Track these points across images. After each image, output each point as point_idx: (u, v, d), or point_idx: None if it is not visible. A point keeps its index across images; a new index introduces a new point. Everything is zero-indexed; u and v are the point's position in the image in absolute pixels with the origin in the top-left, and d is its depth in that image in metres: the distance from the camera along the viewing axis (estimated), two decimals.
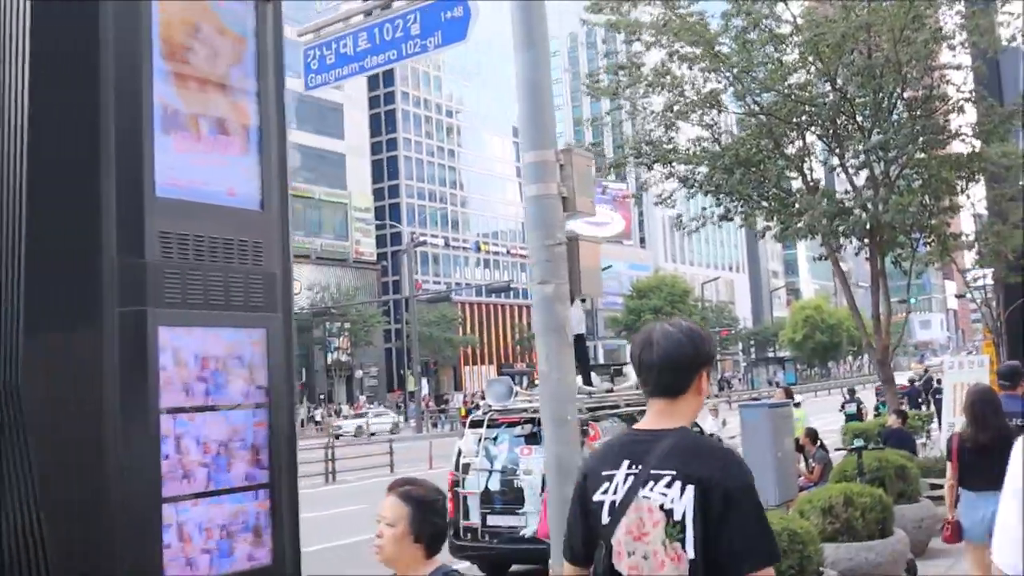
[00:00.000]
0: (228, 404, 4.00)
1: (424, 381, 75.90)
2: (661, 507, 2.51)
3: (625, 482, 2.60)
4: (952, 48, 13.88)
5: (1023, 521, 1.70)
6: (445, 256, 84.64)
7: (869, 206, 13.49)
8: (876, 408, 24.26)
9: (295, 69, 8.89)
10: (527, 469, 10.30)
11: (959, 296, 23.63)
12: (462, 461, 10.63)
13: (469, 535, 10.30)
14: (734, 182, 13.61)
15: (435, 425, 53.97)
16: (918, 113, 13.29)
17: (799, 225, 13.64)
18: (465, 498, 10.43)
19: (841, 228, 13.53)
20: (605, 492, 2.63)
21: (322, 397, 66.89)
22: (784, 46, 13.92)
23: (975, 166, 13.92)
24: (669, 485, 2.51)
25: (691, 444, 2.60)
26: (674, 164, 14.53)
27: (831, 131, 13.88)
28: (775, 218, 14.71)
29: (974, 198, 21.76)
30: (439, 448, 30.24)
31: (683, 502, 2.49)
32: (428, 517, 2.89)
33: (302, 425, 58.35)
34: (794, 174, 15.09)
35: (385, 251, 77.23)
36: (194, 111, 4.09)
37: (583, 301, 13.15)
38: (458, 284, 77.60)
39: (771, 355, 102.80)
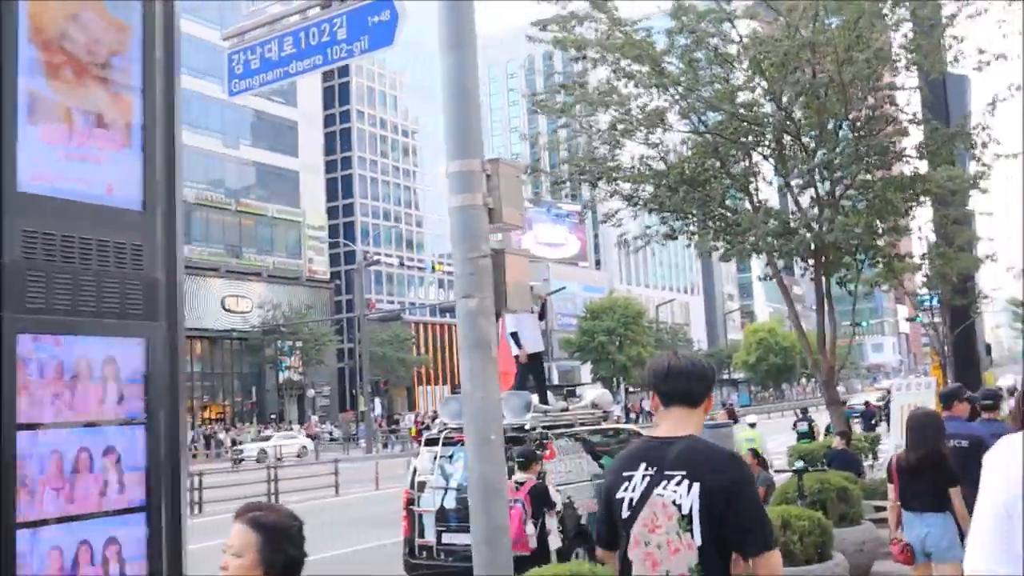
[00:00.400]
0: (99, 420, 3.67)
1: (376, 401, 75.24)
2: (673, 503, 2.98)
3: (643, 482, 3.08)
4: (896, 70, 13.88)
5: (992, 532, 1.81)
6: (399, 275, 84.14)
7: (814, 225, 13.40)
8: (827, 428, 24.30)
9: (221, 75, 8.58)
10: None
11: (910, 320, 23.68)
12: (417, 479, 10.61)
13: (424, 553, 10.27)
14: (677, 200, 13.46)
15: (386, 445, 53.38)
16: (861, 133, 13.22)
17: (744, 245, 13.50)
18: (420, 516, 10.40)
19: (787, 248, 13.41)
20: (625, 490, 3.12)
21: (273, 417, 65.95)
22: (731, 65, 13.83)
23: (919, 187, 13.89)
24: (679, 484, 2.99)
25: (701, 447, 3.09)
26: (619, 182, 14.35)
27: (777, 150, 13.79)
28: (721, 238, 14.58)
29: (921, 220, 21.92)
30: (387, 469, 29.79)
31: (690, 498, 2.96)
32: (280, 546, 2.61)
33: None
34: (740, 194, 15.00)
35: (339, 270, 76.56)
36: (68, 102, 3.77)
37: (541, 319, 12.97)
38: (411, 304, 76.94)
39: (726, 377, 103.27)
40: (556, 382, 67.66)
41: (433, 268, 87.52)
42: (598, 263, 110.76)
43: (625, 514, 3.10)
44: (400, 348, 71.23)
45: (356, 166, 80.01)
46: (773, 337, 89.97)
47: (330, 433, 63.02)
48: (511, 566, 6.32)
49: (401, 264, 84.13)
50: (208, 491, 23.69)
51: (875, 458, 20.48)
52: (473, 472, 6.56)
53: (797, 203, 14.04)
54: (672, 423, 3.19)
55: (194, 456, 48.99)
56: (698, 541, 2.93)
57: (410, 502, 10.56)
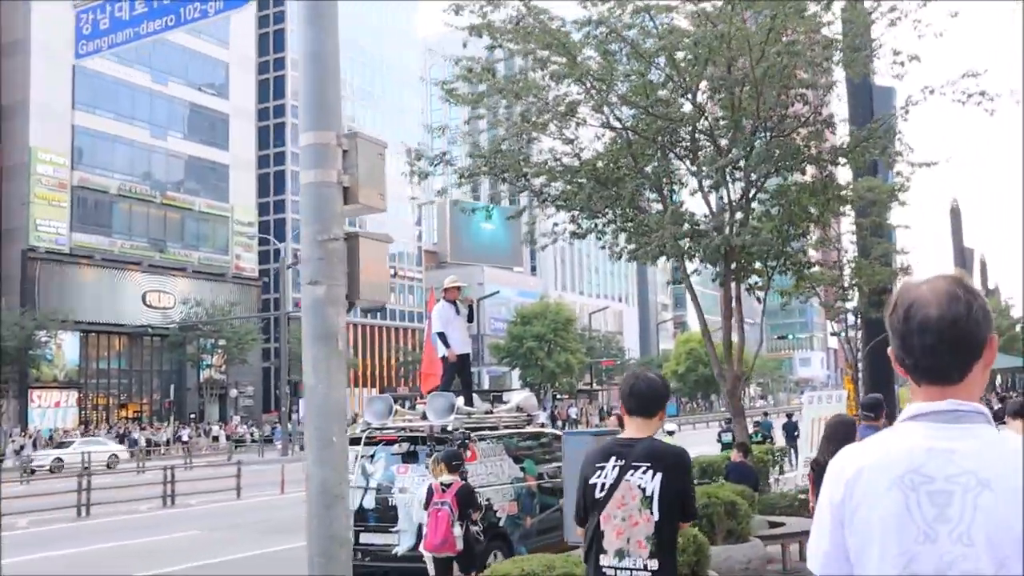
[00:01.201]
0: None
1: (302, 402, 73.88)
2: (639, 486, 3.89)
3: (614, 471, 3.96)
4: (816, 70, 13.49)
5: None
6: None
7: (725, 229, 13.00)
8: (750, 437, 24.10)
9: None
10: (403, 487, 10.27)
11: (834, 334, 23.55)
12: None
13: None
14: (583, 197, 12.95)
15: (303, 448, 52.18)
16: (774, 134, 12.82)
17: (651, 246, 13.04)
18: None
19: (694, 251, 12.99)
20: (598, 476, 3.99)
21: (192, 416, 64.34)
22: (647, 60, 13.34)
23: (831, 193, 13.57)
24: (645, 472, 3.90)
25: (660, 446, 4.07)
26: (528, 177, 13.80)
27: (691, 150, 13.33)
28: (633, 239, 14.09)
29: (839, 229, 21.78)
30: (293, 473, 28.98)
31: (653, 483, 3.87)
32: None
33: (168, 444, 55.94)
34: (654, 195, 14.55)
35: (268, 267, 75.03)
36: None
37: (470, 321, 12.52)
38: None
39: None
40: (487, 387, 67.20)
41: None
42: (533, 269, 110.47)
43: (599, 495, 3.97)
44: None
45: (289, 162, 78.53)
46: (703, 348, 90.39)
47: (251, 434, 61.65)
48: None
49: None
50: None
51: (781, 472, 20.20)
52: (313, 478, 5.96)
53: (709, 205, 13.62)
54: (635, 428, 4.13)
55: None
56: (656, 516, 3.86)
57: None
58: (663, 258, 13.99)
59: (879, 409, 7.83)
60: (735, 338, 14.27)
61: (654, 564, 3.87)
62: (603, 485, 3.96)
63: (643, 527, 3.87)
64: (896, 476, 1.88)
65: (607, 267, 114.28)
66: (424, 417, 10.83)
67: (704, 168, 12.40)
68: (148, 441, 54.46)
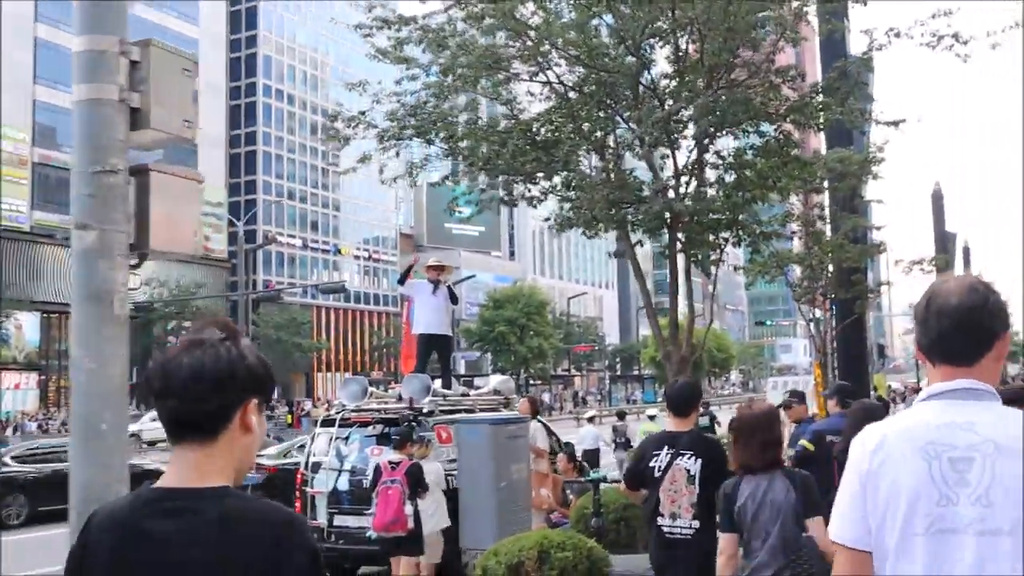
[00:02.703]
0: None
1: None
2: (685, 468, 5.42)
3: (667, 456, 5.48)
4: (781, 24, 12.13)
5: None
6: (303, 258, 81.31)
7: (671, 193, 11.68)
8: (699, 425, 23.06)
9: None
10: None
11: (810, 320, 22.40)
12: (311, 460, 10.51)
13: (315, 535, 9.54)
14: (507, 157, 11.61)
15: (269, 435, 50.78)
16: (721, 84, 11.44)
17: (585, 212, 11.73)
18: (313, 497, 10.28)
19: (632, 219, 11.68)
20: (655, 460, 5.51)
21: None
22: (586, 6, 11.98)
23: (786, 154, 12.24)
24: (690, 458, 5.44)
25: (699, 438, 5.62)
26: (455, 140, 12.44)
27: (634, 107, 11.95)
28: (573, 208, 12.75)
29: (810, 202, 20.50)
30: None
31: (695, 466, 5.41)
32: None
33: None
34: (598, 163, 13.20)
35: (237, 249, 73.29)
36: None
37: (454, 303, 11.51)
38: (291, 285, 73.74)
39: (636, 373, 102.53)
40: (462, 372, 65.92)
41: (339, 251, 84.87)
42: (512, 254, 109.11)
43: (657, 474, 5.47)
44: (297, 332, 68.54)
45: (261, 142, 76.90)
46: (681, 334, 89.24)
47: None
48: None
49: (305, 246, 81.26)
50: None
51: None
52: (74, 479, 4.68)
53: (652, 168, 12.29)
54: (675, 424, 5.64)
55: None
56: (697, 490, 5.36)
57: (303, 483, 10.44)
58: (605, 229, 12.64)
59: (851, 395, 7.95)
60: (683, 316, 12.99)
61: (696, 524, 5.35)
62: (659, 467, 5.42)
63: (688, 498, 5.33)
64: (918, 446, 2.06)
65: (587, 253, 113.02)
66: (399, 399, 10.80)
67: (643, 123, 11.05)
68: None
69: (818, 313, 21.92)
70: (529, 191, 13.05)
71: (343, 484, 10.31)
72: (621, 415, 25.51)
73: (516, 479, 8.08)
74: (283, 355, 69.17)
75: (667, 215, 11.77)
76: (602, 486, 8.80)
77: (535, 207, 13.44)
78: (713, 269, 13.36)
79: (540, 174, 12.48)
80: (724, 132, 12.23)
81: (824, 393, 8.37)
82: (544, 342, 68.54)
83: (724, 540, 4.91)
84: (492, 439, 7.92)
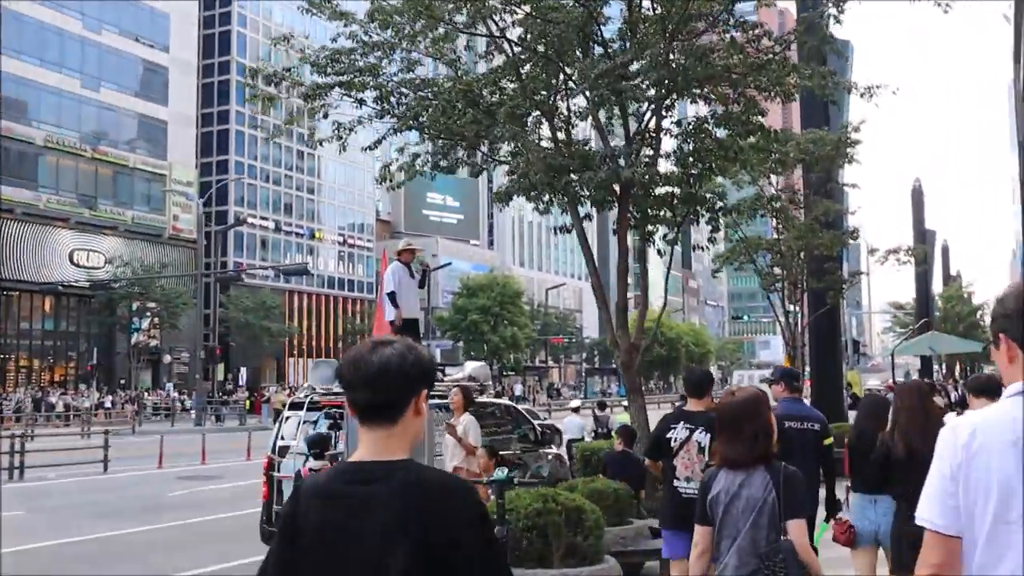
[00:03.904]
0: None
1: (243, 371, 70.97)
2: (698, 441, 6.35)
3: (684, 430, 6.43)
4: None
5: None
6: (275, 240, 79.74)
7: (622, 161, 10.47)
8: None
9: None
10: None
11: (786, 313, 21.27)
12: (279, 444, 10.35)
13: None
14: (437, 113, 10.38)
15: (219, 418, 49.18)
16: (677, 36, 10.19)
17: (523, 180, 10.53)
18: (280, 482, 10.05)
19: (572, 188, 10.46)
20: (672, 432, 6.49)
21: (122, 382, 61.24)
22: None
23: (749, 122, 11.04)
24: (702, 433, 6.30)
25: (712, 417, 5.45)
26: (387, 97, 11.19)
27: (581, 62, 10.71)
28: (515, 173, 11.50)
29: (779, 184, 19.38)
30: (182, 445, 26.42)
31: (705, 439, 6.26)
32: None
33: (93, 410, 52.67)
34: (546, 130, 11.98)
35: (209, 230, 71.70)
36: None
37: (421, 286, 10.68)
38: (251, 265, 72.01)
39: (613, 366, 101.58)
40: (438, 361, 64.43)
41: (313, 235, 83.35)
42: (491, 243, 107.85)
43: (674, 445, 6.45)
44: (266, 316, 67.05)
45: (234, 121, 75.22)
46: (659, 327, 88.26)
47: (181, 403, 58.61)
48: None
49: (278, 229, 79.69)
50: None
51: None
52: None
53: (601, 133, 11.09)
54: (693, 404, 6.65)
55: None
56: (706, 459, 6.13)
57: (271, 467, 10.30)
58: (549, 200, 11.45)
59: (788, 379, 7.65)
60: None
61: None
62: (676, 439, 6.48)
63: (699, 464, 6.28)
64: (1009, 440, 2.17)
65: (568, 243, 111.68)
66: None
67: (587, 78, 9.82)
68: (67, 406, 51.48)
69: (789, 305, 20.77)
70: (469, 157, 11.83)
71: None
72: (602, 405, 25.29)
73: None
74: (252, 339, 67.70)
75: (616, 185, 10.55)
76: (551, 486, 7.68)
77: (476, 176, 12.20)
78: (668, 248, 12.17)
79: (482, 139, 11.24)
80: (681, 96, 11.02)
81: (768, 377, 7.69)
82: (519, 332, 67.33)
83: (698, 533, 4.37)
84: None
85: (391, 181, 12.64)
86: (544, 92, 11.18)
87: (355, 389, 2.22)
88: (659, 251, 12.64)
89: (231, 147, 75.58)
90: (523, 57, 11.40)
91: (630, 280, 12.94)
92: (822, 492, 7.13)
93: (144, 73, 65.90)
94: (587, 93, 9.74)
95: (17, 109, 56.85)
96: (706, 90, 11.09)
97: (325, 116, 12.08)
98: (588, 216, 12.04)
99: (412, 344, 2.27)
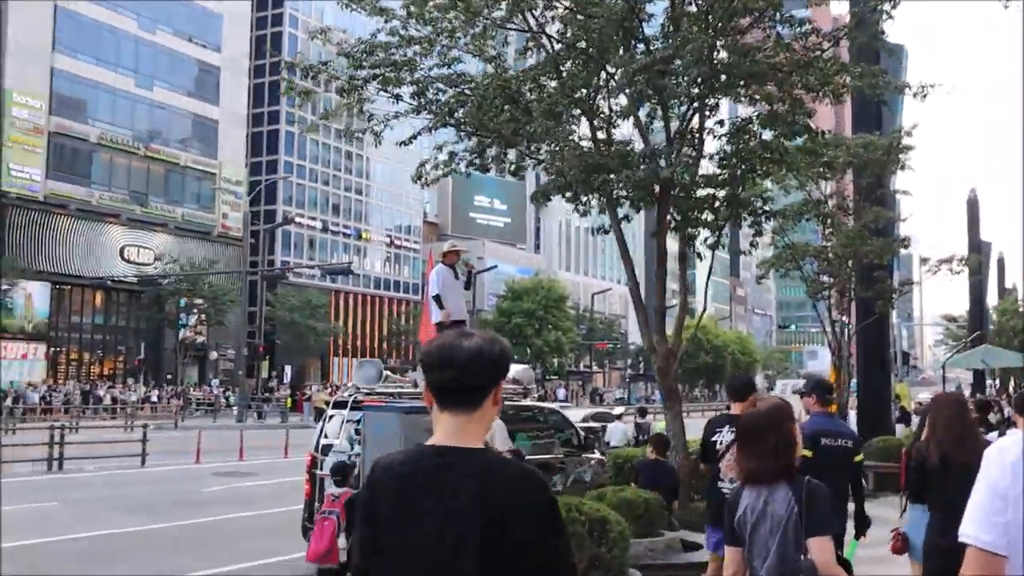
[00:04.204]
0: None
1: (288, 368, 71.34)
2: None
3: (729, 433, 6.65)
4: None
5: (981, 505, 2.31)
6: (323, 240, 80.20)
7: (661, 160, 10.16)
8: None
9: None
10: None
11: (834, 322, 20.68)
12: (322, 442, 10.33)
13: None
14: (472, 109, 10.15)
15: (260, 416, 49.35)
16: (718, 27, 9.82)
17: (559, 179, 10.26)
18: (322, 480, 9.93)
19: (615, 188, 10.17)
20: (718, 436, 6.97)
21: (169, 377, 61.89)
22: None
23: (796, 123, 10.66)
24: None
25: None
26: (423, 91, 10.99)
27: (625, 58, 10.40)
28: (552, 170, 11.22)
29: (829, 190, 18.90)
30: (223, 441, 26.47)
31: None
32: None
33: (140, 404, 53.14)
34: (586, 129, 11.69)
35: (257, 228, 72.29)
36: None
37: (467, 288, 10.63)
38: (296, 263, 72.27)
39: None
40: None
41: (360, 235, 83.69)
42: (537, 247, 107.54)
43: (719, 447, 6.88)
44: (312, 315, 67.40)
45: (284, 121, 75.75)
46: (705, 334, 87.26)
47: (226, 399, 59.08)
48: None
49: (325, 229, 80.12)
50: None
51: None
52: None
53: (642, 131, 10.79)
54: (736, 408, 6.71)
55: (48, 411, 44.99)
56: None
57: (313, 465, 10.28)
58: (584, 200, 11.16)
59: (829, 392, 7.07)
60: (676, 305, 11.50)
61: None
62: (722, 442, 6.89)
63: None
64: None
65: (614, 248, 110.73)
66: (415, 385, 10.41)
67: (627, 73, 9.52)
68: (114, 400, 52.11)
69: (836, 314, 20.23)
70: (506, 156, 11.59)
71: None
72: (643, 412, 24.94)
73: None
74: (297, 337, 68.07)
75: (656, 186, 10.23)
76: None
77: (513, 175, 11.97)
78: (710, 253, 11.82)
79: (520, 137, 10.99)
80: (725, 95, 10.68)
81: (799, 390, 7.32)
82: (563, 336, 66.95)
83: (728, 554, 4.16)
84: (402, 432, 6.48)
85: (427, 179, 12.44)
86: (584, 90, 10.89)
87: (443, 370, 2.29)
88: (699, 255, 12.31)
89: (281, 147, 76.19)
90: (562, 54, 11.13)
91: (675, 285, 12.60)
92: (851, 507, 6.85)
93: (197, 73, 66.66)
94: (626, 90, 9.44)
95: (72, 107, 57.76)
96: (752, 89, 10.73)
97: (361, 112, 11.91)
98: (627, 217, 11.73)
99: (496, 336, 2.37)
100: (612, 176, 10.08)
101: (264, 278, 60.69)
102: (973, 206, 50.90)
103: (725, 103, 11.78)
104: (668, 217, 10.91)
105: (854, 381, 21.12)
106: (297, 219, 74.54)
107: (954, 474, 5.30)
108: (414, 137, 11.92)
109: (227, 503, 16.42)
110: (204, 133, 67.27)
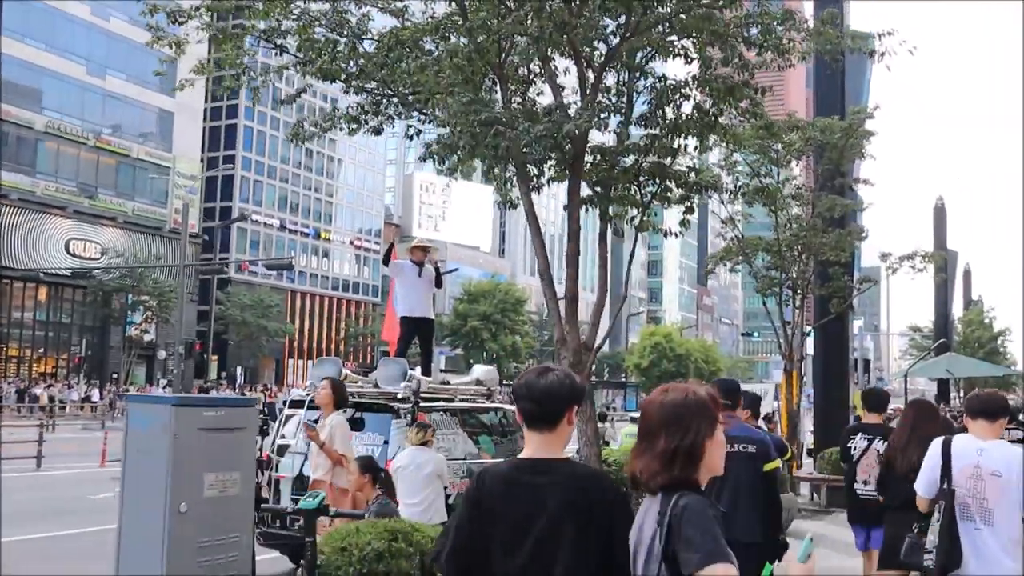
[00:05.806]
0: None
1: (238, 369, 69.37)
2: (876, 449, 7.64)
3: (862, 441, 7.83)
4: None
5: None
6: (280, 239, 78.29)
7: (570, 124, 8.68)
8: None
9: None
10: None
11: (786, 323, 19.24)
12: (278, 443, 10.07)
13: (278, 521, 9.28)
14: (343, 54, 8.65)
15: None
16: None
17: (453, 141, 8.79)
18: (277, 481, 9.71)
19: (501, 151, 8.67)
20: (852, 442, 7.93)
21: (115, 376, 59.79)
22: None
23: (735, 88, 9.21)
24: (878, 442, 7.66)
25: (886, 429, 7.27)
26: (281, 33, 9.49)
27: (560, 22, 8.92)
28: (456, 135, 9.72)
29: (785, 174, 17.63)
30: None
31: (881, 446, 7.51)
32: None
33: (80, 403, 51.22)
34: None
35: (211, 225, 70.29)
36: None
37: (439, 286, 9.34)
38: (250, 261, 70.38)
39: (623, 380, 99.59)
40: (442, 368, 62.80)
41: (319, 235, 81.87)
42: (502, 251, 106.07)
43: (854, 454, 7.81)
44: (264, 315, 65.51)
45: (242, 116, 73.90)
46: (668, 342, 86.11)
47: None
48: None
49: (283, 227, 78.25)
50: None
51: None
52: None
53: (553, 87, 9.32)
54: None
55: None
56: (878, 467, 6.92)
57: (268, 466, 9.91)
58: (466, 163, 9.71)
59: (733, 397, 6.17)
60: (592, 294, 10.07)
61: (882, 489, 6.63)
62: (857, 447, 7.73)
63: (876, 469, 6.97)
64: None
65: (585, 255, 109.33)
66: (376, 385, 10.17)
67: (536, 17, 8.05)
68: (51, 399, 50.04)
69: (789, 313, 18.87)
70: (380, 107, 10.09)
71: (308, 469, 9.32)
72: (603, 417, 23.52)
73: (219, 497, 5.11)
74: (249, 338, 66.16)
75: (563, 147, 8.75)
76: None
77: (409, 138, 10.45)
78: (634, 231, 10.38)
79: (405, 90, 9.49)
80: (650, 47, 9.22)
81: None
82: (519, 340, 65.48)
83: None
84: (173, 430, 4.97)
85: (303, 136, 10.99)
86: (495, 45, 9.32)
87: (528, 402, 2.97)
88: (616, 231, 10.87)
89: (239, 142, 74.27)
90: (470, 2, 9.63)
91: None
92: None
93: (151, 63, 64.53)
94: (533, 34, 8.00)
95: (18, 93, 55.61)
96: (684, 41, 9.31)
97: (243, 66, 10.39)
98: (536, 187, 10.21)
99: (569, 372, 3.07)
100: (506, 131, 8.51)
101: (207, 274, 58.66)
102: (940, 213, 50.04)
103: (657, 63, 10.32)
104: (579, 187, 9.45)
105: (804, 382, 19.90)
106: (254, 217, 72.70)
107: (897, 478, 6.03)
108: (300, 93, 10.42)
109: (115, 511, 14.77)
110: (158, 125, 65.28)
